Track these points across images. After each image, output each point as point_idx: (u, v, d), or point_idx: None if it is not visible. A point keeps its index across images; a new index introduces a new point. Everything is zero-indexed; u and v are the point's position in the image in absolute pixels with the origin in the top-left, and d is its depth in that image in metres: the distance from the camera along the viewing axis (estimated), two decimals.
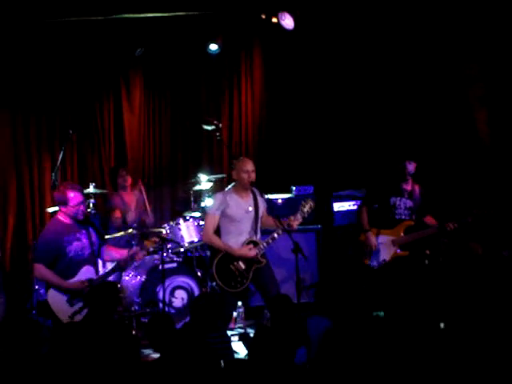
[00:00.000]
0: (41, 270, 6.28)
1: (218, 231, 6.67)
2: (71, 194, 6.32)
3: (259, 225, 6.58)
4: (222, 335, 5.45)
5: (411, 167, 7.34)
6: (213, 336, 5.28)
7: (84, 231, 6.46)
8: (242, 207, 6.48)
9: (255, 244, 6.46)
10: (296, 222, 6.44)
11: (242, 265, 6.42)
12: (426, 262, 7.80)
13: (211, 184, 8.59)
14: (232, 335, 7.21)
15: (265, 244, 6.47)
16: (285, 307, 5.33)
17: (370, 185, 8.10)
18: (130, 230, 7.98)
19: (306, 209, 6.54)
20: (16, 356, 4.51)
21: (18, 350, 4.55)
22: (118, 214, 8.50)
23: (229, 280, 6.36)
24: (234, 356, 5.85)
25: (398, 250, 7.37)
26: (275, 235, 6.47)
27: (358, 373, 4.13)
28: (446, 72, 9.05)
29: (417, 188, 7.46)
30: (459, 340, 4.84)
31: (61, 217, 6.44)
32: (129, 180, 8.78)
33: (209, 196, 8.25)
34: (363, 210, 7.55)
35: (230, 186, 6.70)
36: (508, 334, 4.95)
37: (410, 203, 7.42)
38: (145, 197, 8.69)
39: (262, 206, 6.62)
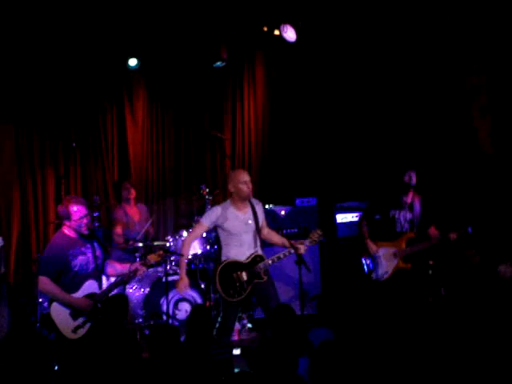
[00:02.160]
0: (46, 283, 6.26)
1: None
2: (74, 208, 6.33)
3: (259, 237, 6.57)
4: (222, 347, 5.45)
5: (407, 177, 7.33)
6: (214, 347, 5.28)
7: (89, 245, 6.45)
8: (241, 220, 6.46)
9: (261, 259, 6.46)
10: (304, 248, 6.45)
11: (244, 276, 6.40)
12: (430, 272, 7.78)
13: (214, 196, 8.61)
14: (234, 348, 7.22)
15: (270, 262, 6.47)
16: (286, 317, 5.32)
17: (371, 198, 8.10)
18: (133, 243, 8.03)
19: (315, 237, 6.57)
20: (21, 368, 4.53)
21: (24, 363, 4.57)
22: (119, 230, 8.50)
23: (228, 288, 6.35)
24: (234, 368, 5.85)
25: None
26: (281, 256, 6.48)
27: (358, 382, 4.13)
28: (449, 82, 9.07)
29: (417, 200, 7.42)
30: (459, 351, 4.84)
31: (65, 230, 6.43)
32: (133, 193, 8.80)
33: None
34: (363, 224, 7.57)
35: (228, 200, 6.68)
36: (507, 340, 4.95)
37: (409, 216, 7.40)
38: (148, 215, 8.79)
39: (261, 217, 6.61)
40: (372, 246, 7.41)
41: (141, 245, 8.07)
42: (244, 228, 6.46)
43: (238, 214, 6.47)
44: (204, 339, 5.21)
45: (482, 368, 4.56)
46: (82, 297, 6.28)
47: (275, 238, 6.71)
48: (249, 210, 6.52)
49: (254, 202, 6.60)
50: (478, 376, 4.51)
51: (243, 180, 6.45)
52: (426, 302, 7.37)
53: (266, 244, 6.71)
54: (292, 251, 6.40)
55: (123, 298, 6.11)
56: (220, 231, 6.54)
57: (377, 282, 7.38)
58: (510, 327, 5.40)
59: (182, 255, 6.57)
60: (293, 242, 6.48)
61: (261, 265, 6.41)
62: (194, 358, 4.73)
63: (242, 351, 6.83)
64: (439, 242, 7.28)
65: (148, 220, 8.71)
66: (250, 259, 6.43)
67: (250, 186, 6.47)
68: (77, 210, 6.33)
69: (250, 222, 6.48)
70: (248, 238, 6.47)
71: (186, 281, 6.47)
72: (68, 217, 6.33)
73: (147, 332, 7.72)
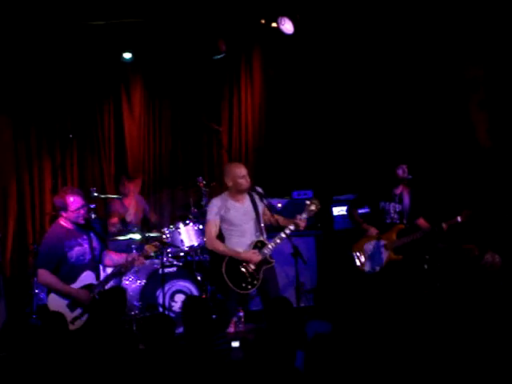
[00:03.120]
0: (45, 275, 6.27)
1: (220, 234, 6.66)
2: (71, 199, 6.32)
3: (262, 224, 6.52)
4: (221, 337, 5.44)
5: (401, 171, 7.34)
6: (212, 339, 5.27)
7: (85, 236, 6.46)
8: (240, 210, 6.43)
9: (263, 244, 6.40)
10: (303, 221, 6.37)
11: (251, 265, 6.36)
12: (426, 266, 7.79)
13: (211, 188, 8.62)
14: (233, 341, 7.24)
15: (273, 244, 6.40)
16: (283, 309, 5.32)
17: (360, 189, 8.10)
18: (132, 235, 8.03)
19: (312, 208, 6.43)
20: (17, 360, 4.52)
21: (19, 354, 4.56)
22: (114, 220, 8.51)
23: (239, 281, 6.28)
24: (233, 358, 5.85)
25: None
26: (283, 235, 6.36)
27: (354, 376, 4.13)
28: (446, 75, 9.08)
29: (406, 191, 7.44)
30: (458, 345, 4.84)
31: (62, 222, 6.43)
32: (129, 187, 8.79)
33: (208, 200, 8.31)
34: (353, 212, 7.58)
35: (225, 192, 6.65)
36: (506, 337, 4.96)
37: (399, 207, 7.40)
38: (145, 204, 8.77)
39: (261, 205, 6.54)
40: (371, 229, 7.38)
41: (138, 237, 8.06)
42: (244, 218, 6.43)
43: (236, 205, 6.45)
44: (202, 330, 5.20)
45: (479, 362, 4.57)
46: (81, 288, 6.29)
47: (280, 220, 6.58)
48: (247, 200, 6.49)
49: (254, 192, 6.51)
50: (475, 371, 4.52)
51: (241, 175, 6.40)
52: (421, 293, 7.37)
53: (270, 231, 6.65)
54: (292, 227, 6.32)
55: (121, 290, 6.10)
56: (222, 224, 6.49)
57: (369, 274, 7.38)
58: (507, 320, 5.41)
59: (225, 251, 6.35)
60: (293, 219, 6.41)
61: (264, 250, 6.36)
62: (193, 349, 4.72)
63: (241, 343, 6.82)
64: (429, 232, 7.28)
65: (145, 210, 8.72)
66: (251, 248, 6.40)
67: (248, 179, 6.44)
68: (73, 200, 6.32)
69: (249, 211, 6.45)
70: (249, 227, 6.44)
71: (249, 253, 6.32)
72: (65, 208, 6.33)
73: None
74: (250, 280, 6.32)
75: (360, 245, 7.46)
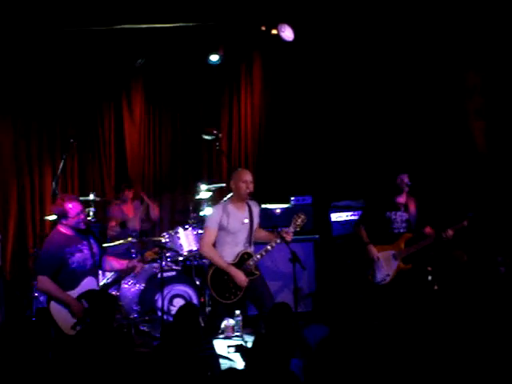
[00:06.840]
0: (45, 282, 6.26)
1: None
2: (69, 205, 6.33)
3: (253, 237, 6.62)
4: (205, 344, 5.46)
5: (403, 181, 7.37)
6: (199, 345, 5.29)
7: (85, 242, 6.45)
8: (239, 219, 6.50)
9: (249, 256, 6.49)
10: (290, 235, 6.47)
11: None
12: (429, 278, 7.81)
13: (210, 193, 8.66)
14: (229, 346, 7.30)
15: (258, 256, 6.48)
16: (284, 315, 5.35)
17: (367, 201, 8.13)
18: (130, 239, 8.08)
19: (298, 222, 6.56)
20: (17, 360, 4.55)
21: (19, 354, 4.59)
22: (112, 224, 8.56)
23: (223, 291, 6.38)
24: (220, 365, 5.91)
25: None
26: (269, 248, 6.48)
27: (355, 381, 4.16)
28: (444, 82, 9.12)
29: (412, 201, 7.45)
30: (456, 351, 4.88)
31: (61, 229, 6.43)
32: (129, 195, 8.84)
33: (208, 205, 8.37)
34: (360, 228, 7.57)
35: (226, 198, 6.72)
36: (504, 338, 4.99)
37: (405, 216, 7.39)
38: (146, 200, 8.82)
39: (257, 219, 6.65)
40: (373, 251, 7.41)
41: (137, 241, 8.12)
42: (240, 227, 6.49)
43: (236, 213, 6.51)
44: (188, 337, 5.22)
45: (477, 366, 4.60)
46: (79, 296, 6.30)
47: (262, 233, 6.72)
48: (246, 210, 6.56)
49: (252, 203, 6.64)
50: (473, 372, 4.55)
51: (244, 179, 6.49)
52: (423, 300, 7.40)
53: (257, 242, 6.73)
54: (278, 241, 6.41)
55: (109, 295, 6.10)
56: (218, 231, 6.54)
57: (378, 285, 7.38)
58: (501, 323, 5.44)
59: (218, 262, 6.39)
60: (279, 230, 6.50)
61: (250, 261, 6.43)
62: (178, 354, 4.74)
63: (235, 349, 6.86)
64: (434, 240, 7.29)
65: (143, 210, 8.78)
66: (238, 258, 6.46)
67: (251, 186, 6.50)
68: (72, 206, 6.33)
69: (246, 221, 6.52)
70: (243, 237, 6.51)
71: (239, 273, 6.37)
72: (65, 215, 6.33)
73: (142, 327, 7.77)
74: (233, 291, 6.40)
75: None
